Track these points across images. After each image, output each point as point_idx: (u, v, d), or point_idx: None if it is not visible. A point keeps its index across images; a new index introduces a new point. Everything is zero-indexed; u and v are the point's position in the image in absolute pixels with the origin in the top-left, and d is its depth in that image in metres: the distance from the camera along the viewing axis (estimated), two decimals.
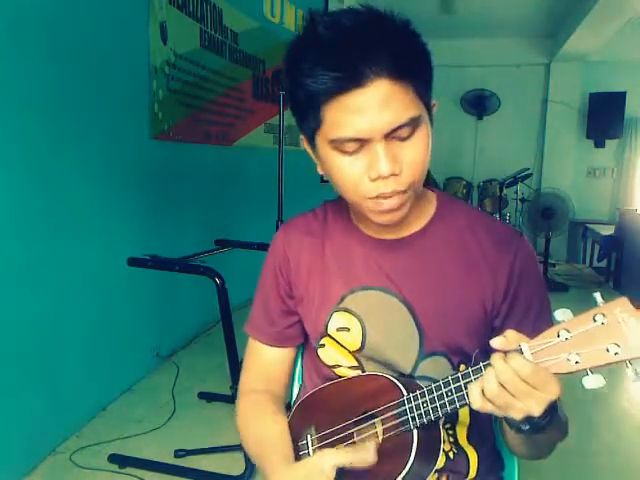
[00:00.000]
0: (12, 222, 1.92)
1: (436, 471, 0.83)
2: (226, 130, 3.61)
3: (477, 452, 0.87)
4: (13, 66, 1.88)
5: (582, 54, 6.04)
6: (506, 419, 0.68)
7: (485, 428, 0.88)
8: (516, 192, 5.86)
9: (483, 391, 0.62)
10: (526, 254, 0.82)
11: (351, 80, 0.65)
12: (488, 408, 0.63)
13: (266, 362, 0.94)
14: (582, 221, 6.16)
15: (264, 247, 2.44)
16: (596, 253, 5.85)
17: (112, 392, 2.59)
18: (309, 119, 0.72)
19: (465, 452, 0.86)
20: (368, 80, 0.65)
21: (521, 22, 5.95)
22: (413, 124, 0.69)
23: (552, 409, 0.64)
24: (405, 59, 0.68)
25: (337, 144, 0.70)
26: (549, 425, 0.66)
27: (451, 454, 0.85)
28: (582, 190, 6.51)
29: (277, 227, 2.56)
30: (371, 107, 0.66)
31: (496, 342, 0.62)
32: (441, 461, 0.83)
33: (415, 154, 0.71)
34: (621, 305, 0.57)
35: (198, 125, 3.26)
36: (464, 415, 0.85)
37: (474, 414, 0.85)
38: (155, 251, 2.15)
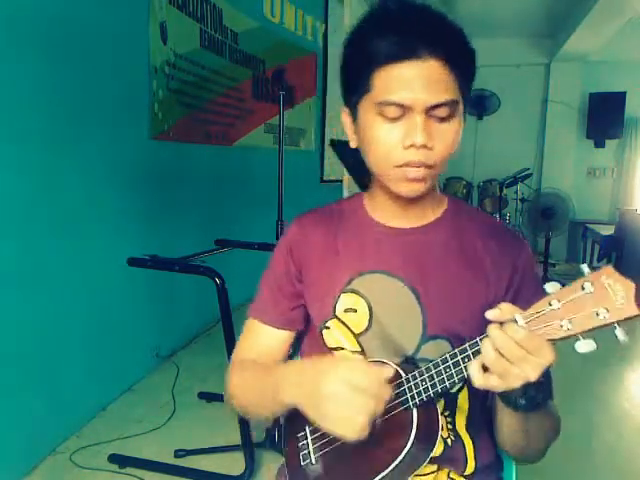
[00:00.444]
0: (12, 222, 1.92)
1: (435, 460, 0.84)
2: (226, 130, 3.61)
3: (473, 442, 0.88)
4: (13, 66, 1.88)
5: (582, 54, 6.05)
6: (503, 396, 0.71)
7: (483, 418, 0.89)
8: (516, 192, 5.87)
9: (482, 365, 0.65)
10: (528, 256, 0.88)
11: (411, 50, 0.72)
12: (488, 383, 0.65)
13: (262, 341, 0.95)
14: (582, 221, 6.16)
15: (264, 247, 2.45)
16: (596, 253, 5.85)
17: (112, 392, 2.59)
18: (360, 83, 0.78)
19: (462, 440, 0.88)
20: (425, 56, 0.73)
21: (521, 22, 5.95)
22: (452, 107, 0.76)
23: (543, 384, 0.68)
24: (461, 50, 0.77)
25: (382, 107, 0.75)
26: (543, 403, 0.70)
27: (449, 441, 0.86)
28: (582, 190, 6.51)
29: (277, 227, 2.55)
30: (421, 80, 0.73)
31: (491, 313, 0.65)
32: (439, 447, 0.84)
33: (447, 136, 0.77)
34: (606, 273, 0.61)
35: (198, 125, 3.26)
36: (463, 401, 0.87)
37: (472, 401, 0.87)
38: (155, 251, 2.15)
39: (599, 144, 6.48)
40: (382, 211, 0.89)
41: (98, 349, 2.43)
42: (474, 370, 0.66)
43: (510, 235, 0.90)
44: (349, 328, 0.87)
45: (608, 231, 5.34)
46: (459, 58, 0.76)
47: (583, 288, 0.61)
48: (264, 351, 0.95)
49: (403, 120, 0.75)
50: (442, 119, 0.76)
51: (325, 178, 5.17)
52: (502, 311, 0.65)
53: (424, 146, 0.75)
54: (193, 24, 3.13)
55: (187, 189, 3.20)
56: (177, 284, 2.96)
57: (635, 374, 3.15)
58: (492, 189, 5.94)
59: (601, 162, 6.64)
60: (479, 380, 0.65)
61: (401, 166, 0.77)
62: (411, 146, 0.75)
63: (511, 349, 0.62)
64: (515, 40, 6.53)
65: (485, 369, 0.65)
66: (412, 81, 0.73)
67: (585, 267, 0.62)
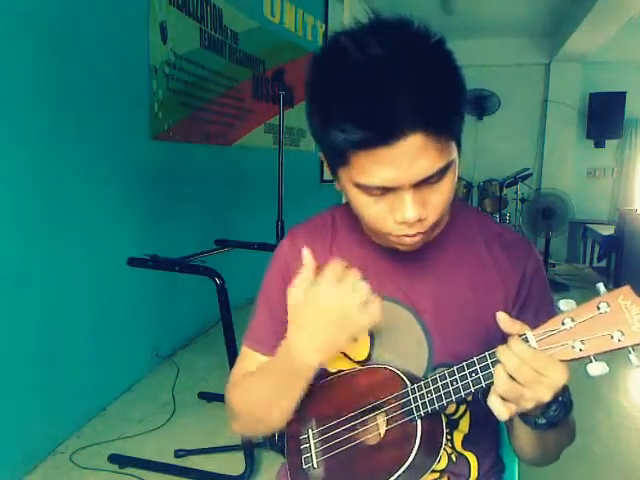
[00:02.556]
0: (12, 222, 1.92)
1: (438, 472, 0.83)
2: (226, 130, 3.61)
3: (476, 456, 0.87)
4: (14, 67, 1.88)
5: (582, 54, 6.04)
6: (522, 416, 0.69)
7: (484, 436, 0.88)
8: (516, 192, 5.87)
9: (500, 394, 0.63)
10: (536, 263, 0.83)
11: (383, 138, 0.62)
12: (512, 411, 0.63)
13: None
14: (582, 221, 6.16)
15: (264, 247, 2.45)
16: (596, 253, 5.85)
17: (112, 392, 2.59)
18: (334, 158, 0.69)
19: (465, 456, 0.86)
20: (402, 136, 0.62)
21: (521, 22, 5.95)
22: (443, 172, 0.68)
23: (564, 403, 0.66)
24: (443, 107, 0.64)
25: (362, 188, 0.68)
26: (564, 420, 0.67)
27: (453, 457, 0.85)
28: (582, 190, 6.51)
29: (277, 227, 2.55)
30: (402, 161, 0.64)
31: (502, 316, 0.64)
32: (443, 462, 0.83)
33: (442, 196, 0.70)
34: (624, 293, 0.58)
35: (198, 125, 3.26)
36: (464, 425, 0.85)
37: (475, 424, 0.85)
38: (155, 251, 2.15)
39: (599, 144, 6.47)
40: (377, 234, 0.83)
41: (98, 349, 2.43)
42: (497, 404, 0.63)
43: (517, 242, 0.84)
44: (349, 357, 0.84)
45: (608, 231, 5.34)
46: (446, 114, 0.65)
47: (598, 308, 0.58)
48: None
49: (390, 195, 0.68)
50: (435, 182, 0.68)
51: (325, 178, 5.17)
52: (514, 322, 0.64)
53: (418, 219, 0.68)
54: (193, 24, 3.13)
55: (187, 189, 3.20)
56: (177, 284, 2.96)
57: (635, 374, 3.15)
58: (492, 189, 5.94)
59: (601, 162, 6.64)
60: (504, 414, 0.63)
61: (396, 236, 0.72)
62: (403, 222, 0.68)
63: (523, 372, 0.60)
64: (515, 40, 6.53)
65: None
66: (393, 164, 0.64)
67: (601, 286, 0.60)
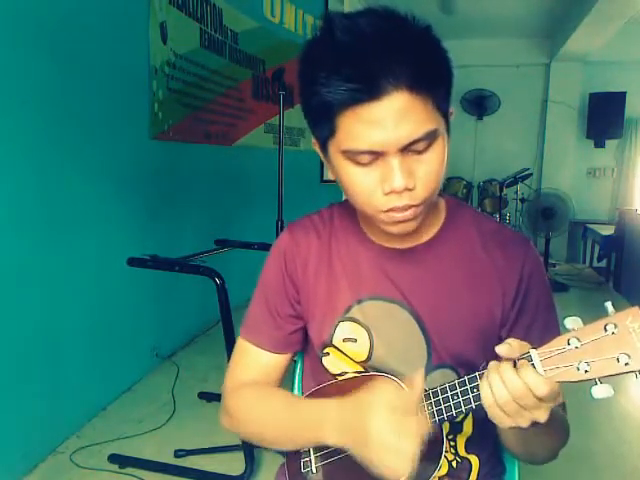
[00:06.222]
0: (12, 222, 1.92)
1: (437, 477, 0.83)
2: (226, 130, 3.61)
3: (479, 459, 0.87)
4: (14, 67, 1.88)
5: (582, 54, 6.04)
6: None
7: (487, 437, 0.88)
8: (516, 192, 5.86)
9: (495, 397, 0.62)
10: (534, 260, 0.82)
11: (368, 92, 0.63)
12: (497, 413, 0.63)
13: (260, 365, 0.88)
14: (582, 221, 6.16)
15: (264, 247, 2.45)
16: (596, 253, 5.86)
17: (112, 392, 2.59)
18: (322, 126, 0.70)
19: (468, 460, 0.86)
20: (386, 92, 0.63)
21: (521, 22, 5.95)
22: (430, 138, 0.67)
23: None
24: (426, 69, 0.65)
25: (350, 155, 0.68)
26: None
27: (454, 463, 0.85)
28: (582, 190, 6.51)
29: (277, 227, 2.56)
30: (387, 120, 0.64)
31: (502, 350, 0.61)
32: (444, 469, 0.84)
33: (430, 168, 0.69)
34: (632, 315, 0.56)
35: (198, 125, 3.26)
36: (467, 426, 0.85)
37: (478, 425, 0.85)
38: (155, 251, 2.15)
39: (599, 144, 6.48)
40: (374, 230, 0.83)
41: (98, 349, 2.43)
42: (487, 393, 0.63)
43: (515, 240, 0.83)
44: (350, 357, 0.83)
45: (608, 231, 5.34)
46: (430, 74, 0.66)
47: (605, 330, 0.56)
48: (262, 373, 0.88)
49: (377, 163, 0.68)
50: (421, 151, 0.68)
51: (325, 178, 5.17)
52: (512, 347, 0.61)
53: (406, 189, 0.68)
54: (193, 24, 3.13)
55: (187, 189, 3.20)
56: (177, 284, 2.96)
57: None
58: (492, 189, 5.94)
59: (601, 162, 6.64)
60: (490, 402, 0.63)
61: (386, 211, 0.70)
62: (391, 192, 0.68)
63: (527, 400, 0.60)
64: (515, 40, 6.53)
65: None
66: (378, 123, 0.64)
67: (609, 306, 0.57)
